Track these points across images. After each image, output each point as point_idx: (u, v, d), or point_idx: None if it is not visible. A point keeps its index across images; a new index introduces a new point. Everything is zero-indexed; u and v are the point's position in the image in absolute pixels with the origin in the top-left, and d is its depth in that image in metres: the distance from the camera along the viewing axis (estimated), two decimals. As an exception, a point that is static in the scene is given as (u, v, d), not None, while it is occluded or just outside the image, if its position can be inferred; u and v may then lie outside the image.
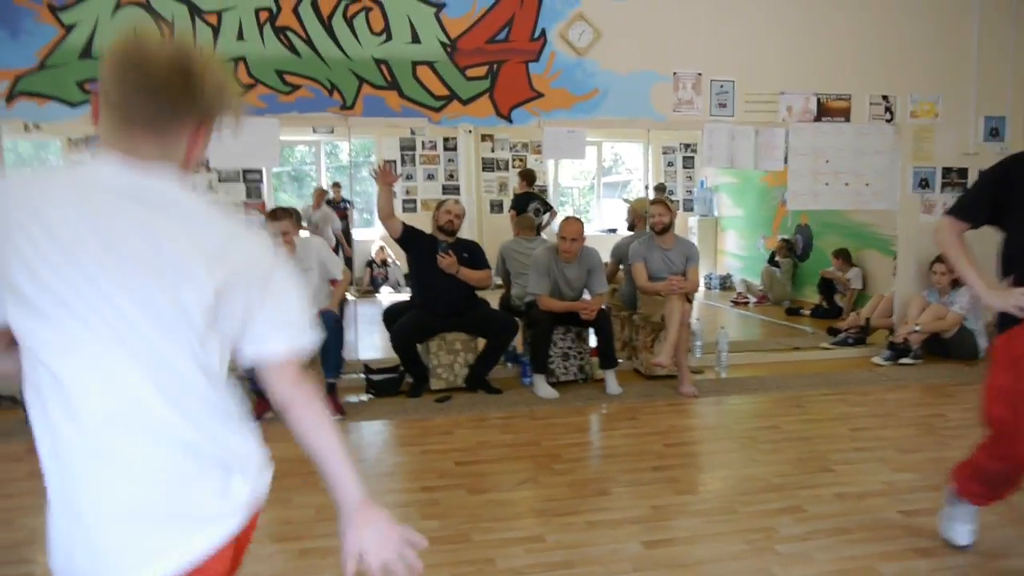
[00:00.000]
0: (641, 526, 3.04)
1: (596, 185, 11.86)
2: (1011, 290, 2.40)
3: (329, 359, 4.66)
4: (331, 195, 10.60)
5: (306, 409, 1.36)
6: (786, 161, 6.00)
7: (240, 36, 5.07)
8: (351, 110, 5.27)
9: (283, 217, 4.69)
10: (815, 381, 5.31)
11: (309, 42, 5.16)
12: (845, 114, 5.99)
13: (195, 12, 5.00)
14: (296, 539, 2.94)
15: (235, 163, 6.46)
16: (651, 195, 7.48)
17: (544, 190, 11.15)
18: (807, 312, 8.09)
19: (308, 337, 1.38)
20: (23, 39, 4.85)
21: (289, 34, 5.13)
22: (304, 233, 5.09)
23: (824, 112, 5.95)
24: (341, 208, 10.47)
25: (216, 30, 5.05)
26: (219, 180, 10.40)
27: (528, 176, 8.68)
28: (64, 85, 4.92)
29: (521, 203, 7.78)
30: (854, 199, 6.13)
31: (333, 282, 4.90)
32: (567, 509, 3.21)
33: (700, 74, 5.74)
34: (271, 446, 4.08)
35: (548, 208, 8.25)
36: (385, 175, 4.98)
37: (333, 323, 4.64)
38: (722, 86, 5.79)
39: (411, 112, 5.36)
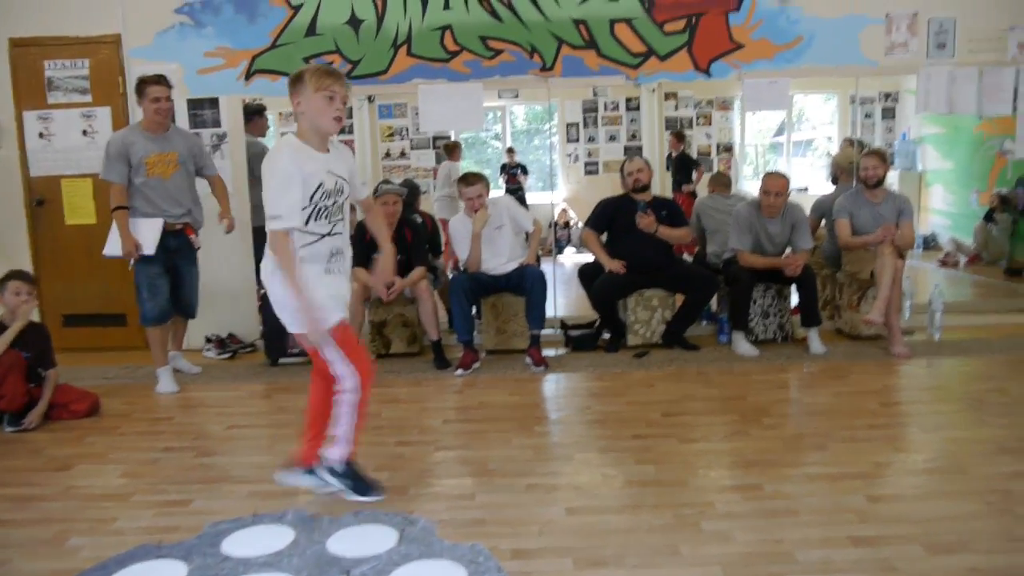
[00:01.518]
0: (864, 481, 2.99)
1: (786, 142, 11.34)
2: None
3: (533, 311, 4.87)
4: (506, 160, 10.88)
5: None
6: (1015, 106, 5.49)
7: (446, 6, 5.32)
8: (551, 71, 5.40)
9: (476, 182, 4.94)
10: (1046, 344, 4.90)
11: (510, 6, 5.32)
12: (1090, 49, 5.37)
13: (406, -14, 5.30)
14: (520, 475, 3.15)
15: (443, 126, 6.79)
16: (834, 149, 7.08)
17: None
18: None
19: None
20: (259, 22, 5.36)
21: (492, 0, 5.32)
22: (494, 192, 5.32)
23: (1065, 48, 5.37)
24: (513, 173, 10.73)
25: (425, 2, 5.32)
26: (411, 148, 11.00)
27: (681, 137, 8.98)
28: (293, 61, 5.39)
29: (684, 164, 8.11)
30: (1097, 144, 5.51)
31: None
32: (783, 461, 3.21)
33: (916, 13, 5.35)
34: (484, 394, 4.44)
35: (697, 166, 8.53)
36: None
37: (538, 276, 4.84)
38: (941, 24, 5.37)
39: (609, 71, 5.41)
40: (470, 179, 4.99)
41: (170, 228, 4.50)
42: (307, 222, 2.69)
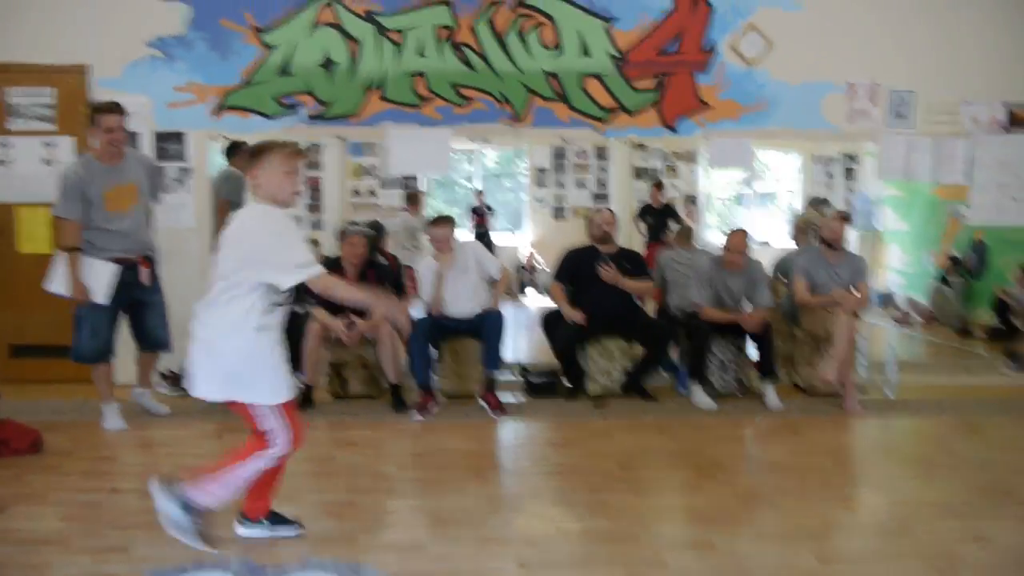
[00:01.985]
0: (814, 541, 3.00)
1: (751, 197, 11.59)
2: None
3: (490, 353, 4.86)
4: (475, 202, 10.96)
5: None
6: (968, 174, 5.69)
7: (421, 53, 5.40)
8: (520, 121, 5.48)
9: (443, 224, 4.99)
10: (993, 407, 5.01)
11: (484, 57, 5.42)
12: (1038, 123, 5.61)
13: (381, 31, 5.37)
14: (473, 526, 3.11)
15: (409, 170, 6.84)
16: (794, 203, 7.26)
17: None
18: (982, 335, 7.59)
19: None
20: (231, 59, 5.38)
21: (466, 50, 5.41)
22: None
23: (1015, 122, 5.60)
24: (481, 214, 10.80)
25: (399, 47, 5.39)
26: (381, 187, 11.00)
27: (661, 187, 8.97)
28: (263, 100, 5.41)
29: (662, 217, 8.10)
30: (1045, 214, 5.72)
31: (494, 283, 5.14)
32: (735, 518, 3.22)
33: (879, 85, 5.55)
34: (442, 440, 4.33)
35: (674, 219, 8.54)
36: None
37: (496, 319, 4.86)
38: (902, 97, 5.57)
39: (578, 123, 5.51)
40: (438, 221, 5.04)
41: (127, 263, 4.32)
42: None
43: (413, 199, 8.87)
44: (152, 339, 4.53)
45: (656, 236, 8.38)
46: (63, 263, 4.25)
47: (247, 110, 5.41)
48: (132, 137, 5.29)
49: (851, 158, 11.16)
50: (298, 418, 2.83)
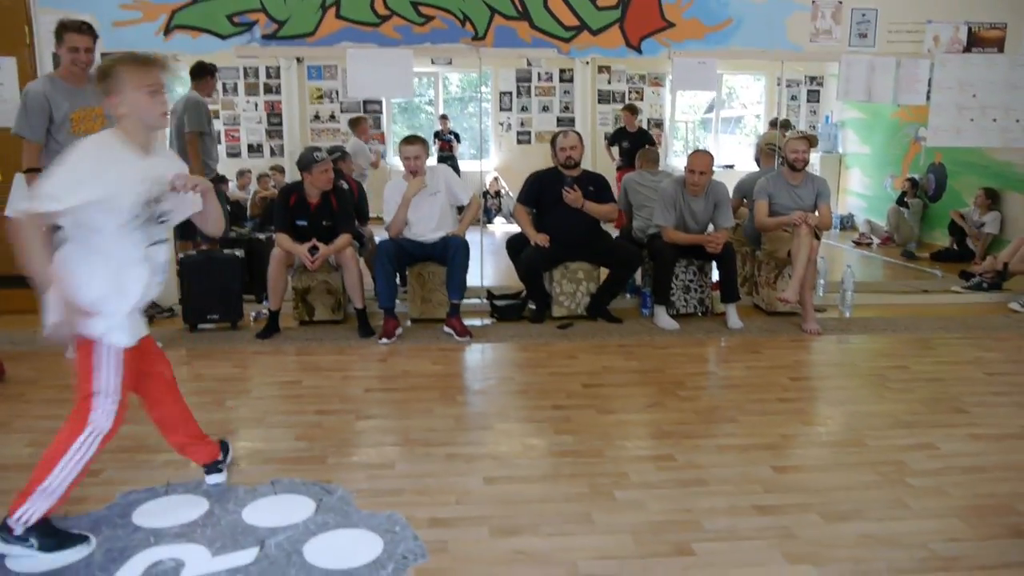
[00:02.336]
0: (770, 452, 3.12)
1: (715, 120, 11.55)
2: None
3: (454, 280, 4.88)
4: (439, 127, 10.78)
5: None
6: (928, 95, 5.73)
7: (378, -33, 5.21)
8: (482, 41, 5.35)
9: (415, 142, 4.91)
10: (946, 324, 5.18)
11: (444, -28, 5.24)
12: (999, 44, 5.63)
13: (336, -56, 5.15)
14: (441, 444, 3.17)
15: (370, 93, 6.66)
16: (761, 128, 7.26)
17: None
18: (926, 255, 7.78)
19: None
20: (180, -27, 5.13)
21: (425, -36, 5.23)
22: (431, 160, 5.27)
23: (975, 42, 5.61)
24: (447, 140, 10.64)
25: (355, -39, 5.19)
26: (341, 111, 10.77)
27: (635, 111, 8.59)
28: (215, 18, 5.20)
29: (643, 141, 7.70)
30: (1002, 136, 5.81)
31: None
32: (696, 433, 3.32)
33: (840, 2, 5.50)
34: (408, 363, 4.35)
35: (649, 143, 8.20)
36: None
37: (460, 245, 4.85)
38: (864, 15, 5.54)
39: (541, 43, 5.40)
40: (410, 140, 4.96)
41: None
42: (124, 231, 2.34)
43: (355, 123, 8.44)
44: None
45: (630, 161, 8.26)
46: (22, 187, 4.11)
47: (198, 29, 5.20)
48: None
49: (815, 80, 11.15)
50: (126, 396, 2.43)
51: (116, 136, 2.36)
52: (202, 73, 5.80)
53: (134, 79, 2.31)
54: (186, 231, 5.88)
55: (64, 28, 4.08)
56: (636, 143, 7.78)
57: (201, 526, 2.48)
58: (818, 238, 5.11)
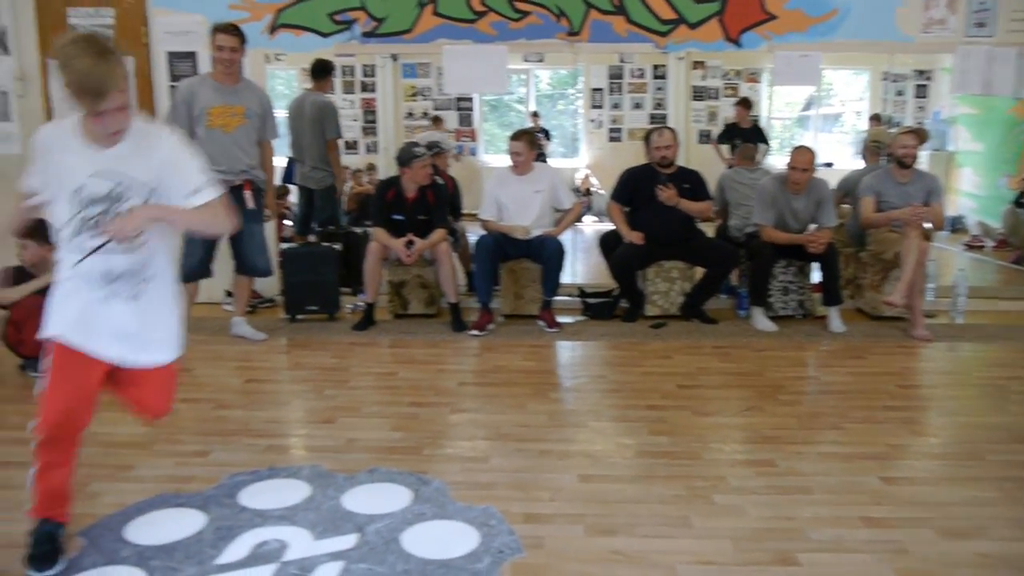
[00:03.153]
0: (878, 462, 2.98)
1: (814, 116, 11.16)
2: None
3: (548, 280, 4.90)
4: (530, 124, 10.77)
5: None
6: (1054, 88, 5.37)
7: (476, -36, 5.24)
8: (578, 36, 5.32)
9: (520, 137, 4.93)
10: (1069, 333, 4.84)
11: (540, -32, 5.24)
12: None
13: (434, -59, 5.22)
14: (534, 440, 3.17)
15: (465, 89, 6.74)
16: (860, 125, 6.95)
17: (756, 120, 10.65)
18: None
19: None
20: (286, -26, 5.30)
21: (522, -40, 5.24)
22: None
23: (1109, 31, 5.22)
24: (537, 137, 10.60)
25: (454, -40, 5.24)
26: (434, 108, 10.91)
27: (749, 105, 8.03)
28: (318, 17, 5.34)
29: (756, 138, 7.24)
30: None
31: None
32: (797, 439, 3.21)
33: (958, -10, 5.22)
34: (500, 358, 4.32)
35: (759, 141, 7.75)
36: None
37: (557, 248, 4.85)
38: (982, 3, 5.23)
39: (637, 37, 5.32)
40: (516, 134, 5.02)
41: (227, 185, 4.30)
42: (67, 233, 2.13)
43: (437, 121, 8.57)
44: (248, 265, 4.59)
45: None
46: None
47: (301, 28, 5.35)
48: (190, 57, 5.34)
49: (924, 74, 10.60)
50: (61, 398, 2.15)
51: (74, 121, 2.10)
52: (324, 72, 6.02)
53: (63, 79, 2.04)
54: (305, 227, 6.10)
55: (215, 30, 4.33)
56: (749, 141, 7.15)
57: (303, 510, 2.55)
58: (928, 239, 4.86)
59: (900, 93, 10.69)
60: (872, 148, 5.98)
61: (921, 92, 10.68)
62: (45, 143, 2.13)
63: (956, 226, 9.49)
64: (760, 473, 2.88)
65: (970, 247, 8.37)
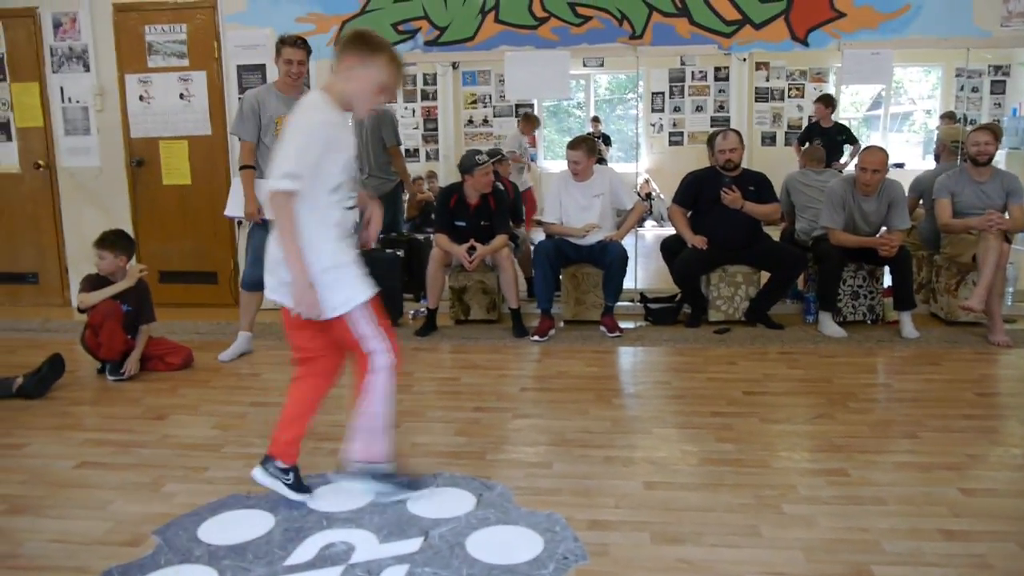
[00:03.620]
0: (956, 473, 2.86)
1: (883, 115, 10.85)
2: None
3: (610, 285, 4.87)
4: (590, 129, 10.73)
5: None
6: None
7: (537, -30, 5.26)
8: (640, 39, 5.28)
9: (578, 146, 4.91)
10: None
11: (601, -28, 5.22)
12: None
13: (495, -50, 5.26)
14: (598, 447, 3.14)
15: (529, 94, 6.79)
16: (931, 124, 6.70)
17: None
18: None
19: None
20: (349, -14, 5.41)
21: (583, -35, 5.23)
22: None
23: None
24: (596, 143, 10.55)
25: (514, -33, 5.27)
26: (494, 115, 10.97)
27: (830, 103, 7.44)
28: (382, 27, 5.43)
29: (833, 138, 6.79)
30: None
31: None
32: (869, 447, 3.11)
33: (1039, -20, 5.01)
34: (562, 364, 4.29)
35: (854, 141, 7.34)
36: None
37: (620, 253, 4.82)
38: (1066, -7, 5.00)
39: (700, 39, 5.25)
40: (573, 143, 4.99)
41: None
42: (335, 194, 2.45)
43: (529, 120, 8.65)
44: None
45: (827, 160, 6.74)
46: (237, 184, 4.50)
47: (366, 39, 5.44)
48: (259, 69, 5.49)
49: (1000, 70, 10.20)
50: (393, 334, 2.59)
51: (328, 102, 2.38)
52: None
53: (380, 72, 2.36)
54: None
55: (282, 43, 4.39)
56: (832, 140, 6.81)
57: (368, 513, 2.58)
58: (1009, 241, 4.66)
59: (975, 90, 10.30)
60: (949, 148, 5.77)
61: (998, 88, 10.26)
62: (330, 126, 2.39)
63: (1037, 227, 9.08)
64: (831, 482, 2.80)
65: (1053, 249, 7.99)
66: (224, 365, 4.36)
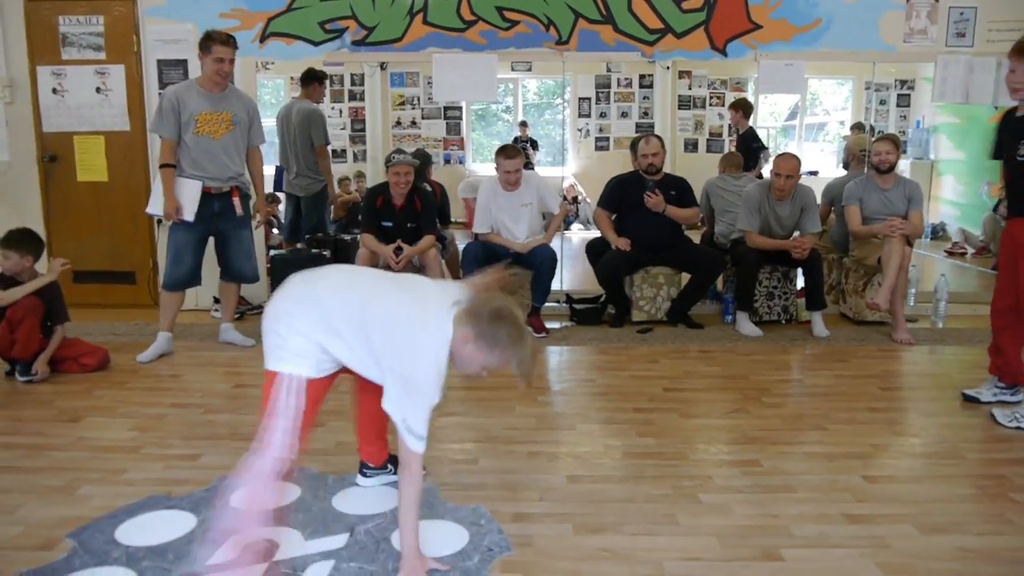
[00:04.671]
0: (860, 461, 3.03)
1: (799, 125, 11.30)
2: None
3: (539, 287, 4.94)
4: (518, 134, 10.84)
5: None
6: (1031, 97, 5.46)
7: (465, -26, 5.30)
8: (566, 45, 5.38)
9: (516, 155, 4.96)
10: (1049, 337, 4.92)
11: (528, -22, 5.30)
12: (1110, 43, 5.33)
13: (424, -47, 5.28)
14: (523, 443, 3.20)
15: (455, 97, 6.80)
16: (845, 134, 7.05)
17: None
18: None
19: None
20: (276, -18, 5.34)
21: (510, -30, 5.30)
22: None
23: (1083, 41, 5.33)
24: (524, 147, 10.68)
25: (443, -31, 5.30)
26: (422, 117, 10.97)
27: (747, 109, 7.46)
28: (308, 26, 5.38)
29: (747, 142, 6.92)
30: (1112, 140, 5.48)
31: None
32: (781, 439, 3.26)
33: (937, 1, 5.32)
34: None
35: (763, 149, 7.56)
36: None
37: (549, 256, 4.90)
38: (962, 13, 5.33)
39: (624, 46, 5.39)
40: (510, 152, 5.02)
41: (215, 191, 4.40)
42: None
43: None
44: (234, 271, 4.62)
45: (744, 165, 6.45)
46: (157, 182, 4.40)
47: (291, 36, 5.39)
48: (181, 65, 5.36)
49: (906, 84, 10.76)
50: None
51: (447, 353, 2.20)
52: (312, 79, 6.08)
53: (499, 362, 2.22)
54: (294, 233, 6.14)
55: (212, 40, 4.29)
56: (747, 146, 6.87)
57: (294, 511, 2.57)
58: (910, 244, 4.94)
59: (883, 102, 10.84)
60: (857, 156, 6.07)
61: (903, 101, 10.83)
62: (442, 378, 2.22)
63: (938, 233, 9.63)
64: (745, 473, 2.92)
65: (951, 253, 8.49)
66: (143, 366, 4.25)
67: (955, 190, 9.78)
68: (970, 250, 8.50)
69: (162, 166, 4.32)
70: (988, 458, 3.07)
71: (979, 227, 8.54)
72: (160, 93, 4.45)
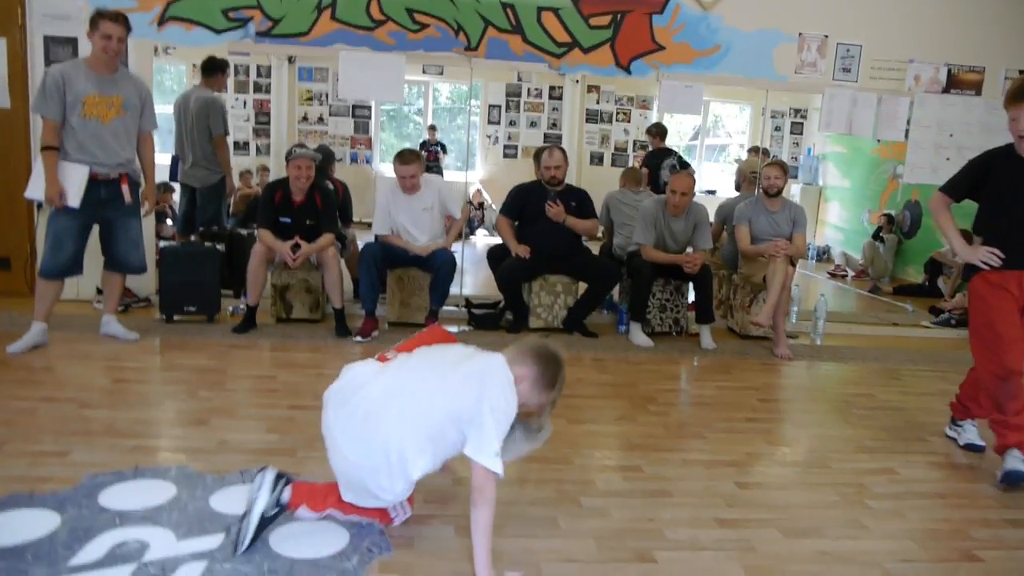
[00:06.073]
0: (735, 469, 3.17)
1: (699, 146, 11.72)
2: (979, 247, 3.36)
3: (437, 291, 4.94)
4: (426, 137, 10.83)
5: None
6: (907, 133, 5.88)
7: (376, -27, 5.27)
8: (475, 51, 5.42)
9: (411, 160, 4.93)
10: (914, 357, 5.28)
11: (440, -18, 5.32)
12: (976, 87, 5.80)
13: (335, -52, 5.21)
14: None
15: (361, 95, 6.72)
16: (744, 156, 7.39)
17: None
18: (892, 291, 7.96)
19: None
20: (178, -35, 5.16)
21: (422, -27, 5.30)
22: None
23: (953, 84, 5.78)
24: (433, 151, 10.69)
25: (354, -34, 5.25)
26: (330, 114, 10.79)
27: (661, 132, 7.66)
28: (211, 12, 5.22)
29: (656, 159, 7.13)
30: (976, 176, 5.94)
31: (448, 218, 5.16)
32: (663, 446, 3.37)
33: (826, 36, 5.64)
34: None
35: (685, 165, 7.78)
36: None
37: (448, 259, 4.91)
38: (848, 50, 5.68)
39: (532, 57, 5.47)
40: (406, 157, 4.96)
41: (103, 178, 4.18)
42: None
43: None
44: (119, 260, 4.41)
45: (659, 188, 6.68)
46: (38, 164, 4.14)
47: (192, 22, 5.22)
48: (71, 43, 5.11)
49: (799, 113, 11.35)
50: None
51: (514, 389, 2.29)
52: (215, 69, 5.89)
53: (539, 399, 2.40)
54: (187, 226, 5.91)
55: (100, 16, 4.08)
56: (659, 165, 7.04)
57: (167, 510, 2.48)
58: (793, 265, 5.20)
59: (778, 128, 11.41)
60: (749, 178, 6.36)
61: (797, 129, 11.42)
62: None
63: (822, 256, 10.18)
64: (627, 477, 3.01)
65: (833, 275, 8.99)
66: (13, 357, 4.01)
67: (840, 216, 10.38)
68: (850, 272, 9.02)
69: (44, 148, 4.08)
70: (850, 467, 3.27)
71: (859, 251, 9.08)
72: (46, 71, 4.20)
